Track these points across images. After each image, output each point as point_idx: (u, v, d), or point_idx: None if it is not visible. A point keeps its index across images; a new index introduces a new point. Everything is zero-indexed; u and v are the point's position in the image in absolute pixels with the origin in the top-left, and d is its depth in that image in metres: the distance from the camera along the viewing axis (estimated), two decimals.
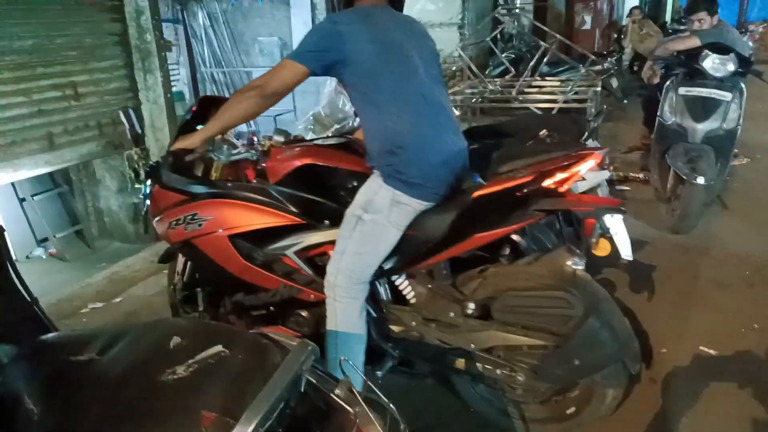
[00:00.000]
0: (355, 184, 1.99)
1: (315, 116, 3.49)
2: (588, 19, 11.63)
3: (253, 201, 2.02)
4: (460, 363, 2.01)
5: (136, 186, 2.30)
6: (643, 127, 5.15)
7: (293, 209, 2.00)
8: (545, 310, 1.84)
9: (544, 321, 1.84)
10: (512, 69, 7.04)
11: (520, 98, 5.78)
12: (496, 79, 6.85)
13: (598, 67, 6.96)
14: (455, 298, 1.96)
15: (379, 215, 1.87)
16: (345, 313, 1.92)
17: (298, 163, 2.03)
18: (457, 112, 5.36)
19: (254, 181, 2.12)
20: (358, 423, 1.06)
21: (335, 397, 1.05)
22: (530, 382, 1.94)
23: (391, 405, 1.13)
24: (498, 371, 1.96)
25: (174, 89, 5.91)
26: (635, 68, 9.92)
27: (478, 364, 1.98)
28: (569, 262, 1.84)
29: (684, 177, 3.62)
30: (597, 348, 1.79)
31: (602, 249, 1.87)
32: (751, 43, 10.00)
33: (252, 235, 2.03)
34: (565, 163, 1.80)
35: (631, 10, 10.48)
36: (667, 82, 4.14)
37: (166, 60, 4.23)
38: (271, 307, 2.14)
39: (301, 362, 0.99)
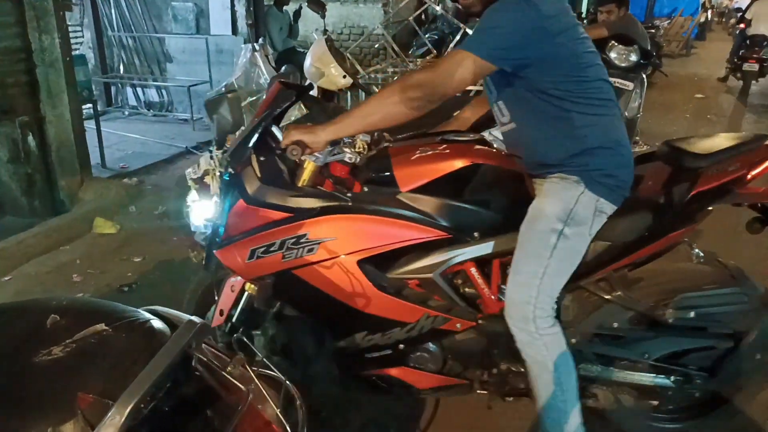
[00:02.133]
0: (510, 186, 1.73)
1: (227, 88, 3.36)
2: None
3: (389, 215, 1.65)
4: (624, 376, 1.85)
5: (190, 202, 1.74)
6: None
7: (440, 221, 1.66)
8: (722, 308, 1.78)
9: (720, 319, 1.79)
10: (434, 50, 7.10)
11: None
12: (417, 59, 6.89)
13: None
14: (618, 306, 1.80)
15: (583, 227, 1.63)
16: (556, 346, 1.65)
17: (460, 163, 1.67)
18: (377, 90, 5.36)
19: (365, 188, 1.71)
20: (251, 400, 1.05)
21: (227, 375, 1.02)
22: (705, 385, 1.87)
23: (287, 381, 1.12)
24: (671, 378, 1.85)
25: (77, 52, 5.50)
26: None
27: (645, 375, 1.85)
28: (692, 253, 1.84)
29: None
30: None
31: None
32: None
33: (379, 257, 1.67)
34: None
35: None
36: None
37: (64, 20, 3.91)
38: (401, 345, 1.79)
39: (189, 340, 0.95)
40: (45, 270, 3.25)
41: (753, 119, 7.33)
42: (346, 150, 1.63)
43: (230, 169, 1.67)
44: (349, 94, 4.48)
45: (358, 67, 4.56)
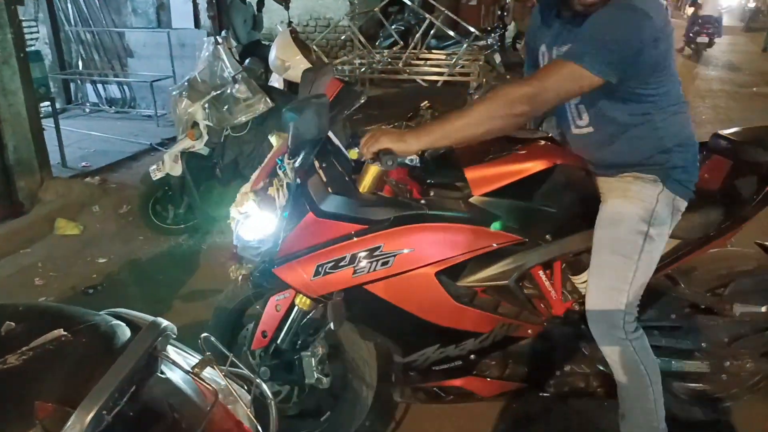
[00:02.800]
0: (580, 185, 1.69)
1: (191, 82, 3.27)
2: None
3: (467, 221, 1.56)
4: (681, 366, 1.87)
5: (238, 215, 1.63)
6: None
7: (515, 225, 1.60)
8: None
9: None
10: (401, 41, 7.09)
11: (408, 70, 5.84)
12: (384, 51, 6.86)
13: (482, 43, 7.19)
14: (672, 296, 1.81)
15: (664, 227, 1.60)
16: (643, 348, 1.63)
17: (541, 165, 1.59)
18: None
19: (431, 193, 1.64)
20: (221, 400, 1.03)
21: (194, 376, 1.00)
22: (758, 368, 1.92)
23: (258, 379, 1.10)
24: (727, 363, 1.88)
25: (32, 48, 5.31)
26: (518, 45, 10.40)
27: (703, 363, 1.88)
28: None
29: None
30: None
31: None
32: None
33: (454, 266, 1.59)
34: None
35: None
36: None
37: (17, 15, 3.76)
38: (472, 356, 1.73)
39: (152, 342, 0.93)
40: (5, 274, 3.14)
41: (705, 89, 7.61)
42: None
43: (297, 180, 1.55)
44: None
45: (325, 59, 4.52)
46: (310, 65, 3.51)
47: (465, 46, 6.50)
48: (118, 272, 3.23)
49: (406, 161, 1.53)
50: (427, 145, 1.46)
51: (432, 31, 6.73)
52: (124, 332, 1.00)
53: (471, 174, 1.60)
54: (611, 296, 1.59)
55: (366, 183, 1.53)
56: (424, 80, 5.83)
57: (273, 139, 1.82)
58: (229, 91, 3.15)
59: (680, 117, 1.62)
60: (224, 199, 3.37)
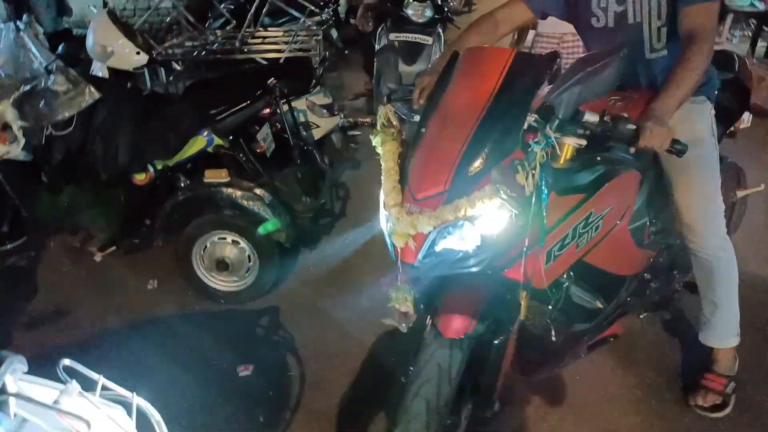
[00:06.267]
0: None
1: None
2: None
3: (636, 167, 1.66)
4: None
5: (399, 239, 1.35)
6: (365, 73, 5.49)
7: (637, 164, 1.68)
8: None
9: None
10: (233, 20, 6.77)
11: (245, 50, 5.60)
12: (217, 31, 6.49)
13: (318, 18, 7.10)
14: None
15: (716, 137, 1.84)
16: (735, 262, 1.90)
17: None
18: (178, 67, 4.95)
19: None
20: (93, 428, 0.89)
21: (57, 411, 0.86)
22: None
23: (136, 395, 0.97)
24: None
25: None
26: (351, 20, 10.46)
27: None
28: None
29: (404, 117, 3.97)
30: None
31: None
32: None
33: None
34: None
35: None
36: (379, 29, 4.44)
37: None
38: (629, 298, 1.85)
39: None
40: None
41: None
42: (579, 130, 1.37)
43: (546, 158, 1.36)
44: (146, 72, 4.05)
45: (152, 43, 4.14)
46: (136, 48, 3.20)
47: (302, 21, 6.38)
48: None
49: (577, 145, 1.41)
50: (672, 112, 1.52)
51: (265, 9, 6.49)
52: None
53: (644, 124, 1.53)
54: (711, 209, 1.81)
55: (563, 161, 1.43)
56: (264, 59, 5.61)
57: (377, 140, 1.53)
58: (43, 84, 2.74)
59: None
60: (57, 207, 2.97)
